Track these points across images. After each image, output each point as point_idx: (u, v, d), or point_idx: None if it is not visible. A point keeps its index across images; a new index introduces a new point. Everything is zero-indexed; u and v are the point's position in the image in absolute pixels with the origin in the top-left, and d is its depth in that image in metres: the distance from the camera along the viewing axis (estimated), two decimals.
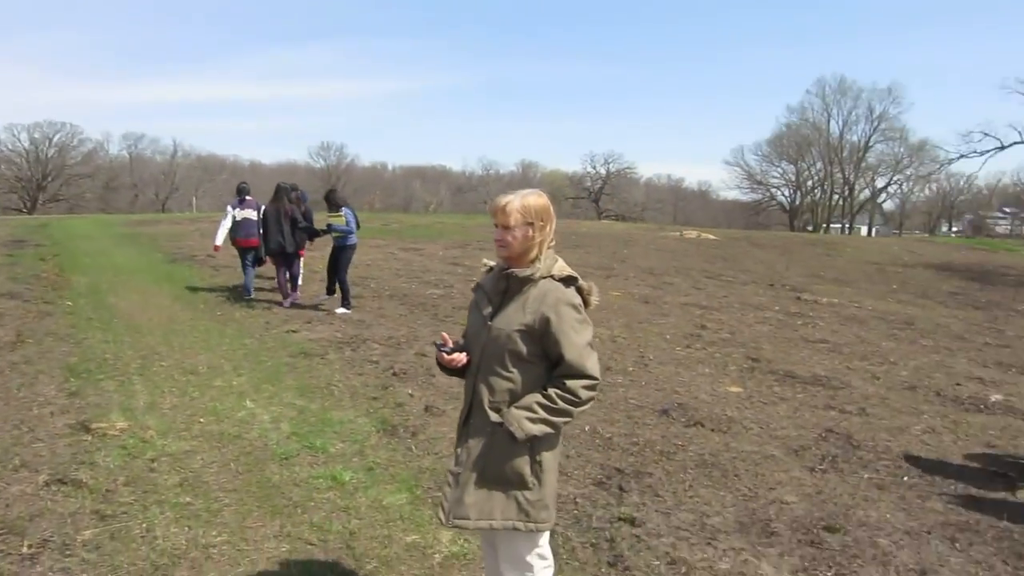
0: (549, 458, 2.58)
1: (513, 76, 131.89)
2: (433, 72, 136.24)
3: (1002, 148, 45.81)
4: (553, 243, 2.64)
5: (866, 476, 5.21)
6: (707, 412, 6.37)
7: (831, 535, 4.24)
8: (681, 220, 61.17)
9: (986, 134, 46.63)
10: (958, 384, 8.01)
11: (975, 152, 46.35)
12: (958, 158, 48.06)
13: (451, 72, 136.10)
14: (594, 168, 68.54)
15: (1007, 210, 65.51)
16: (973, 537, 4.36)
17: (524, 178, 71.55)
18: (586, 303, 2.59)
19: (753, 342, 9.59)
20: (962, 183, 63.10)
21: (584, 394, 2.49)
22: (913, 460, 5.58)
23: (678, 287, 14.47)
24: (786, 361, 8.60)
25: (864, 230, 62.82)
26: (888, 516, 4.57)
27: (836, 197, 64.34)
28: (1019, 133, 46.29)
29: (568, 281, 2.56)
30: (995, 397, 7.54)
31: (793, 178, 66.30)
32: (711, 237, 25.34)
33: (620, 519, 4.28)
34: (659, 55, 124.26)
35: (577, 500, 4.52)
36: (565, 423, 2.55)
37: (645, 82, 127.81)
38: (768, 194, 67.56)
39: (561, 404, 2.48)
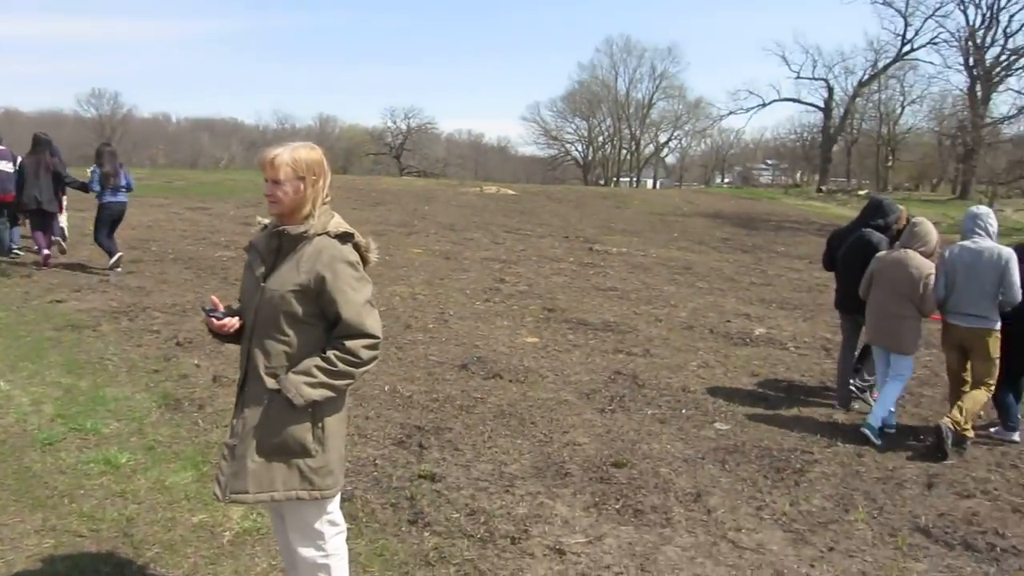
0: (333, 423, 2.47)
1: (305, 22, 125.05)
2: (219, 15, 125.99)
3: (764, 105, 50.82)
4: (329, 198, 2.50)
5: (650, 412, 5.61)
6: (505, 364, 6.53)
7: (619, 470, 4.52)
8: (482, 175, 61.77)
9: (751, 92, 51.45)
10: (728, 321, 8.82)
11: (742, 109, 51.25)
12: (728, 114, 52.88)
13: (239, 16, 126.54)
14: (394, 123, 66.77)
15: (769, 162, 72.55)
16: (740, 458, 4.84)
17: (322, 133, 68.45)
18: (364, 260, 2.48)
19: (549, 293, 9.95)
20: (732, 138, 68.84)
21: (365, 354, 2.40)
22: (690, 393, 6.08)
23: (478, 242, 14.66)
24: (579, 310, 9.01)
25: (650, 183, 66.86)
26: (669, 447, 4.95)
27: (624, 152, 67.93)
28: (777, 91, 51.51)
29: (344, 238, 2.44)
30: (759, 330, 8.39)
31: (586, 134, 68.94)
32: (510, 192, 25.90)
33: (420, 476, 4.28)
34: (454, 7, 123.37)
35: (377, 461, 4.46)
36: (347, 385, 2.45)
37: (443, 35, 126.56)
38: (563, 149, 69.85)
39: (341, 366, 2.37)
